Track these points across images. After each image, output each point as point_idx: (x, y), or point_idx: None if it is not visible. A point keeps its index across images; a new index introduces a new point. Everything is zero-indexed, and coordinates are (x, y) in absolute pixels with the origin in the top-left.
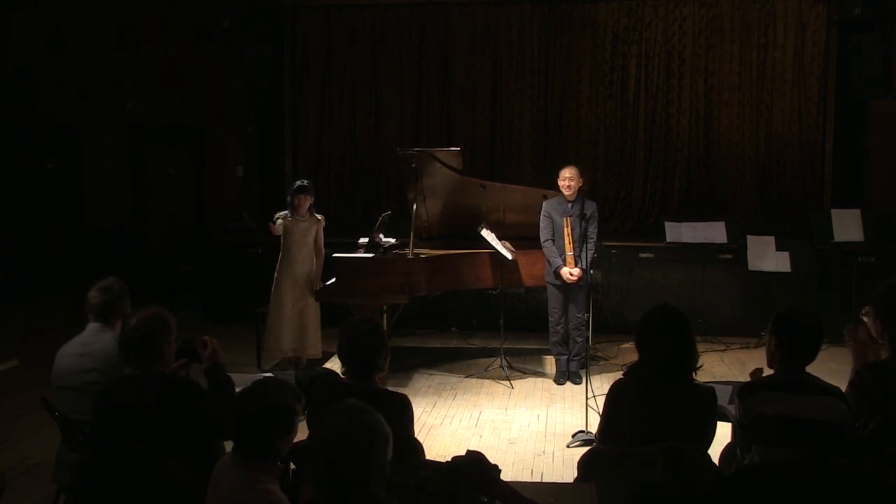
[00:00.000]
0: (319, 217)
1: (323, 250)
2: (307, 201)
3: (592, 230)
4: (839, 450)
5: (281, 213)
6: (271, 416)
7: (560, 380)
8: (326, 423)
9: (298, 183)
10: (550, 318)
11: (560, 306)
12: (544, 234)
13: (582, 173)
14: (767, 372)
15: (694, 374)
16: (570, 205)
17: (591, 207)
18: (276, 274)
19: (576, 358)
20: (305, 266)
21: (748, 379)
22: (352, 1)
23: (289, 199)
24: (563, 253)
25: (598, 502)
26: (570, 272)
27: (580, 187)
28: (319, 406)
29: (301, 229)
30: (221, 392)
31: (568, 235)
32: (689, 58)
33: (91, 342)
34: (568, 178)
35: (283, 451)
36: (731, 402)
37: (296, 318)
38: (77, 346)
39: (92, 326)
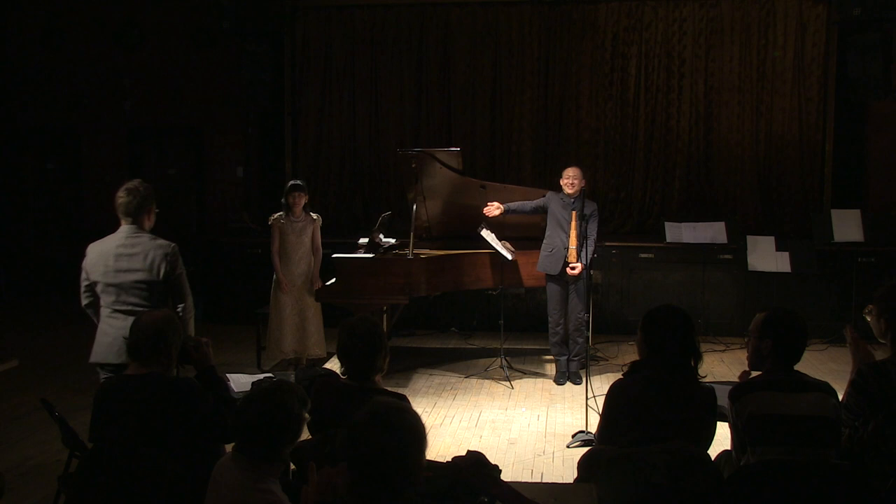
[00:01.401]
0: (315, 216)
1: (321, 249)
2: (301, 199)
3: (592, 228)
4: (834, 445)
5: (276, 215)
6: (277, 422)
7: (560, 380)
8: (367, 427)
9: (291, 182)
10: (550, 319)
11: (559, 307)
12: (526, 204)
13: (583, 175)
14: (754, 374)
15: (696, 373)
16: (572, 201)
17: (590, 207)
18: (274, 275)
19: (576, 358)
20: (303, 266)
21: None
22: (352, 1)
23: (283, 199)
24: (565, 246)
25: (597, 502)
26: (571, 266)
27: (581, 188)
28: (319, 406)
29: (296, 230)
30: (215, 393)
31: (574, 229)
32: (690, 58)
33: (133, 244)
34: (571, 177)
35: (286, 455)
36: None
37: (296, 319)
38: (116, 247)
39: (126, 229)
